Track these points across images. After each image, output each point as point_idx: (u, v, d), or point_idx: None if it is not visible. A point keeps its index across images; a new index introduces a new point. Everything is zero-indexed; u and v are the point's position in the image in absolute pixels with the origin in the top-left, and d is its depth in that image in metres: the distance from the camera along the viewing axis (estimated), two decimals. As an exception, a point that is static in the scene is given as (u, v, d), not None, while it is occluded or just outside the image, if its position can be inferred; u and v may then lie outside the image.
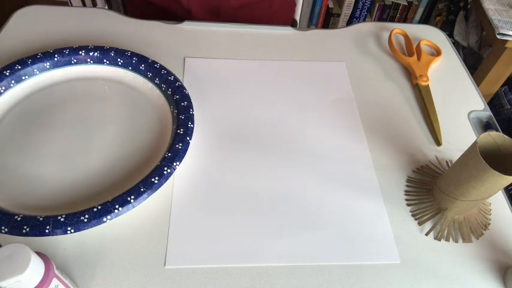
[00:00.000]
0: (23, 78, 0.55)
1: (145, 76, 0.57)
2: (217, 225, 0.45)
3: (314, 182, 0.50)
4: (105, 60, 0.58)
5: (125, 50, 0.58)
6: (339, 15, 1.80)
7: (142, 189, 0.44)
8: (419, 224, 0.48)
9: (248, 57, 0.64)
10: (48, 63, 0.56)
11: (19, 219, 0.41)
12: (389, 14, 1.81)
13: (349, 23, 1.83)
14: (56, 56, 0.57)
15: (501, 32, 1.08)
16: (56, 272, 0.34)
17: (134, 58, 0.57)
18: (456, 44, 1.40)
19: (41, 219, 0.41)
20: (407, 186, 0.51)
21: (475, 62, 1.36)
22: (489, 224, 0.48)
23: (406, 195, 0.50)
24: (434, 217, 0.48)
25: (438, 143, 0.56)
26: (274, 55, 0.65)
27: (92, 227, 0.42)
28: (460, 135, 0.57)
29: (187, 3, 0.77)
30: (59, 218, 0.41)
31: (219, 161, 0.51)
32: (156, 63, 0.57)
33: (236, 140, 0.54)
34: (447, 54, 0.69)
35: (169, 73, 0.56)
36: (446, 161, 0.54)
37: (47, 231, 0.40)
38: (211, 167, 0.51)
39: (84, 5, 1.14)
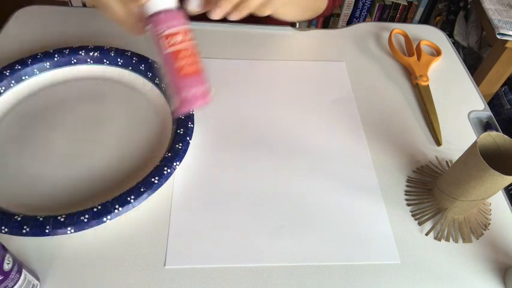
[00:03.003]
0: (23, 78, 0.55)
1: (145, 76, 0.57)
2: (217, 225, 0.45)
3: (314, 182, 0.50)
4: (105, 60, 0.58)
5: (125, 50, 0.58)
6: (339, 15, 1.80)
7: (142, 189, 0.44)
8: (419, 224, 0.48)
9: (248, 57, 0.64)
10: (48, 63, 0.56)
11: (19, 219, 0.41)
12: (389, 14, 1.81)
13: (349, 23, 1.83)
14: (56, 56, 0.56)
15: (501, 32, 1.08)
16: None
17: (134, 58, 0.57)
18: (456, 44, 1.40)
19: (41, 219, 0.41)
20: (407, 186, 0.51)
21: (475, 62, 1.36)
22: (489, 224, 0.48)
23: (406, 195, 0.50)
24: (434, 217, 0.48)
25: (438, 143, 0.56)
26: (274, 55, 0.65)
27: (92, 227, 0.42)
28: (460, 135, 0.57)
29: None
30: (59, 218, 0.41)
31: (219, 161, 0.51)
32: (156, 63, 0.57)
33: (236, 140, 0.54)
34: (447, 54, 0.69)
35: (169, 73, 0.56)
36: (446, 161, 0.54)
37: (47, 231, 0.40)
38: (211, 167, 0.51)
39: (84, 5, 1.13)
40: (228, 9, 0.45)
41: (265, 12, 0.54)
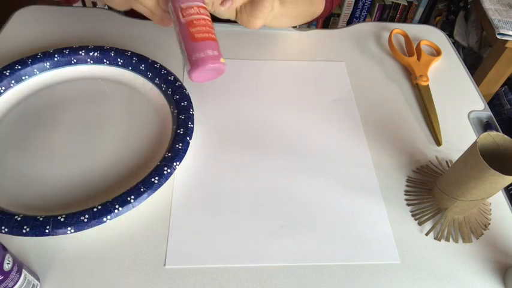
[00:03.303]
0: (23, 78, 0.55)
1: (145, 76, 0.57)
2: (217, 225, 0.45)
3: (314, 182, 0.50)
4: (105, 60, 0.58)
5: (125, 50, 0.58)
6: (339, 15, 1.80)
7: (142, 189, 0.44)
8: (419, 224, 0.48)
9: (248, 57, 0.64)
10: (48, 63, 0.56)
11: (19, 219, 0.41)
12: (389, 14, 1.81)
13: (349, 23, 1.83)
14: (56, 56, 0.57)
15: (501, 32, 1.08)
16: None
17: (134, 58, 0.57)
18: (456, 44, 1.40)
19: (41, 219, 0.41)
20: (407, 186, 0.51)
21: (475, 62, 1.36)
22: (489, 224, 0.48)
23: (406, 195, 0.50)
24: (434, 217, 0.48)
25: (438, 143, 0.56)
26: (274, 55, 0.65)
27: (92, 227, 0.42)
28: (460, 135, 0.57)
29: None
30: (59, 218, 0.41)
31: (219, 161, 0.51)
32: (156, 63, 0.57)
33: (236, 140, 0.54)
34: (447, 54, 0.69)
35: (169, 73, 0.56)
36: (446, 161, 0.54)
37: (47, 231, 0.40)
38: (211, 167, 0.51)
39: (84, 5, 1.13)
40: None
41: (257, 24, 0.54)
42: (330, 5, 0.70)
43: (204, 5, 0.44)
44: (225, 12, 0.54)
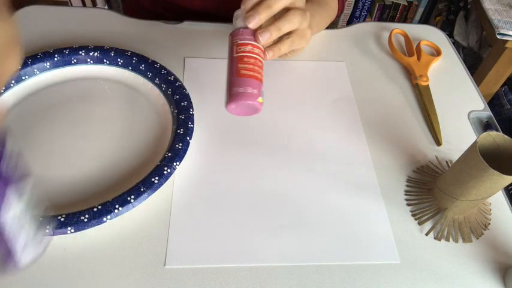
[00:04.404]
0: (23, 78, 0.55)
1: (145, 76, 0.57)
2: (217, 225, 0.46)
3: (314, 182, 0.50)
4: (105, 60, 0.58)
5: (125, 50, 0.58)
6: (339, 15, 1.80)
7: (142, 189, 0.44)
8: (419, 224, 0.48)
9: (248, 57, 0.64)
10: (48, 63, 0.56)
11: (19, 219, 0.41)
12: (389, 14, 1.81)
13: (349, 23, 1.83)
14: (56, 56, 0.57)
15: (501, 32, 1.09)
16: None
17: (134, 58, 0.57)
18: (456, 44, 1.40)
19: (41, 219, 0.41)
20: (407, 186, 0.51)
21: (475, 62, 1.36)
22: (489, 224, 0.48)
23: (406, 195, 0.50)
24: (434, 217, 0.48)
25: (438, 143, 0.56)
26: (274, 55, 0.65)
27: (92, 227, 0.42)
28: (460, 135, 0.57)
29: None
30: (59, 218, 0.41)
31: (219, 161, 0.51)
32: (156, 63, 0.57)
33: (236, 140, 0.54)
34: (447, 54, 0.69)
35: (169, 73, 0.56)
36: (446, 161, 0.54)
37: (47, 231, 0.40)
38: (211, 167, 0.51)
39: (84, 5, 1.14)
40: (263, 17, 0.46)
41: (288, 57, 0.57)
42: (340, 10, 0.71)
43: (259, 45, 0.46)
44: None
